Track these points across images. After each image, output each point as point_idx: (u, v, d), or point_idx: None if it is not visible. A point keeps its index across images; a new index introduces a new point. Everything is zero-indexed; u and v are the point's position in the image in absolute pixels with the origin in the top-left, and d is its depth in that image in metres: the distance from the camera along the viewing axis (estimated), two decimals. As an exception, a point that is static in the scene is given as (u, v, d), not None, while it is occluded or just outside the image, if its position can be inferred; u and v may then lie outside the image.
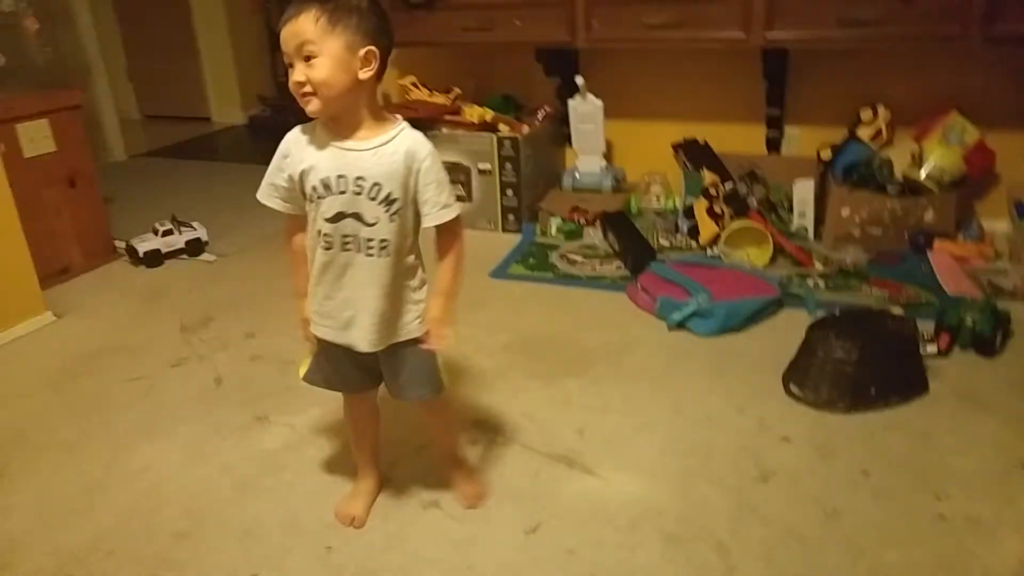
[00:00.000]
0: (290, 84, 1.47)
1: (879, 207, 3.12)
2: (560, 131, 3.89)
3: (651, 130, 3.81)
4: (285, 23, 1.44)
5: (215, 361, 2.62)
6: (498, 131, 3.59)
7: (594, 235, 3.43)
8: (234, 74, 6.60)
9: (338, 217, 1.54)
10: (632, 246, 3.15)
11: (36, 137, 3.18)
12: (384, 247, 1.56)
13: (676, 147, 3.68)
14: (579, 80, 3.56)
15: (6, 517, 1.92)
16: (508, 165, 3.55)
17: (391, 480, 1.96)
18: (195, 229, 3.59)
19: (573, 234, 3.49)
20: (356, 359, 1.69)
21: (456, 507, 1.87)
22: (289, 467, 2.04)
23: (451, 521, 1.82)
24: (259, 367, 2.56)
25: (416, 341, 1.68)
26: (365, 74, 1.47)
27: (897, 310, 2.46)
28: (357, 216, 1.53)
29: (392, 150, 1.52)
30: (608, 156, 3.81)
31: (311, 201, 1.55)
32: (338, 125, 1.53)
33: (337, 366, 1.74)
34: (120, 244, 3.58)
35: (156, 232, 3.51)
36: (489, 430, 2.15)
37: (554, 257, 3.30)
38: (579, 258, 3.27)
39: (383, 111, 1.57)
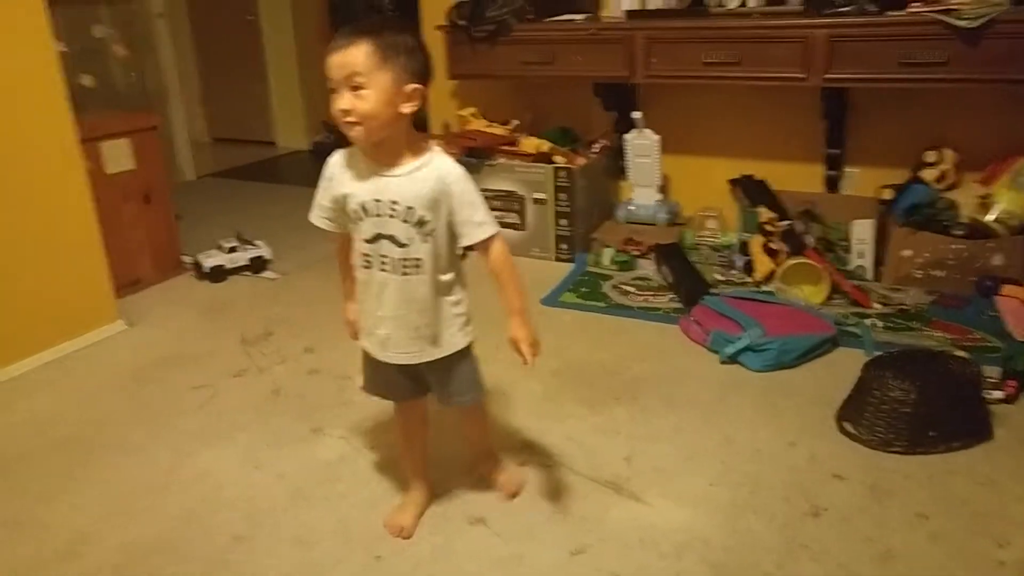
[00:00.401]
0: (333, 110, 1.54)
1: (943, 249, 3.08)
2: (616, 164, 3.93)
3: (708, 166, 3.84)
4: (335, 51, 1.51)
5: (274, 373, 2.69)
6: (553, 162, 3.64)
7: (648, 267, 3.46)
8: (300, 100, 6.77)
9: (375, 238, 1.63)
10: (686, 279, 3.17)
11: (118, 155, 3.33)
12: (418, 266, 1.64)
13: (733, 183, 3.71)
14: (637, 115, 3.60)
15: (77, 511, 2.01)
16: (563, 195, 3.60)
17: (440, 495, 2.00)
18: (259, 247, 3.69)
19: (626, 265, 3.52)
20: (402, 369, 1.77)
21: (503, 524, 1.90)
22: (342, 478, 2.10)
23: (497, 538, 1.86)
24: (316, 381, 2.63)
25: (460, 353, 1.77)
26: (408, 109, 1.55)
27: (960, 353, 2.42)
28: (392, 238, 1.62)
29: (424, 175, 1.60)
30: (664, 190, 3.84)
31: (353, 222, 1.65)
32: (378, 152, 1.60)
33: (386, 376, 1.81)
34: (187, 259, 3.70)
35: (221, 248, 3.63)
36: (537, 453, 2.18)
37: (606, 287, 3.33)
38: (632, 289, 3.29)
39: (419, 139, 1.65)
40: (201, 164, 5.98)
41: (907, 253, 3.13)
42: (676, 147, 3.78)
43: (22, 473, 2.18)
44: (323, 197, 1.70)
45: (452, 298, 1.73)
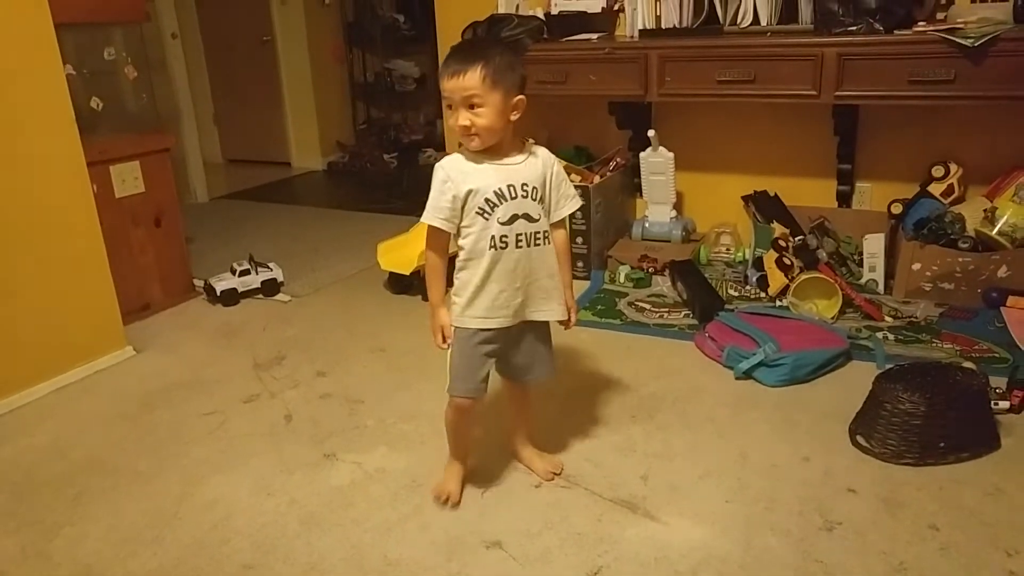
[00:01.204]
0: (453, 124, 1.81)
1: (951, 262, 3.07)
2: (631, 181, 3.93)
3: (721, 182, 3.83)
4: (452, 76, 1.78)
5: (286, 398, 2.68)
6: (569, 180, 3.63)
7: (663, 283, 3.45)
8: (315, 121, 6.81)
9: (512, 219, 1.86)
10: (700, 295, 3.15)
11: (127, 178, 3.34)
12: (546, 236, 1.93)
13: (746, 199, 3.70)
14: (651, 133, 3.60)
15: (82, 541, 1.99)
16: (578, 213, 3.59)
17: (456, 518, 1.99)
18: (271, 270, 3.69)
19: (641, 282, 3.50)
20: (491, 358, 1.98)
21: (519, 547, 1.88)
22: (355, 504, 2.08)
23: (513, 561, 1.83)
24: (328, 405, 2.62)
25: (546, 326, 2.06)
26: (516, 116, 1.85)
27: (968, 364, 2.41)
28: (527, 216, 1.88)
29: (535, 162, 1.91)
30: (678, 207, 3.83)
31: (481, 214, 1.85)
32: (491, 151, 1.86)
33: (483, 364, 1.97)
34: (199, 282, 3.71)
35: (233, 272, 3.62)
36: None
37: (622, 304, 3.31)
38: (647, 306, 3.28)
39: (518, 135, 1.93)
40: (214, 185, 6.02)
41: (916, 266, 3.13)
42: (690, 164, 3.78)
43: (29, 502, 2.17)
44: (440, 199, 1.86)
45: (555, 267, 1.98)
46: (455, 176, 1.85)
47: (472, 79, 1.75)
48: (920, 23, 2.96)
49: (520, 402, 2.20)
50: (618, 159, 3.88)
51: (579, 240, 3.63)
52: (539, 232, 1.91)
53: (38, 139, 2.71)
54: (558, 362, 2.76)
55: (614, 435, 2.35)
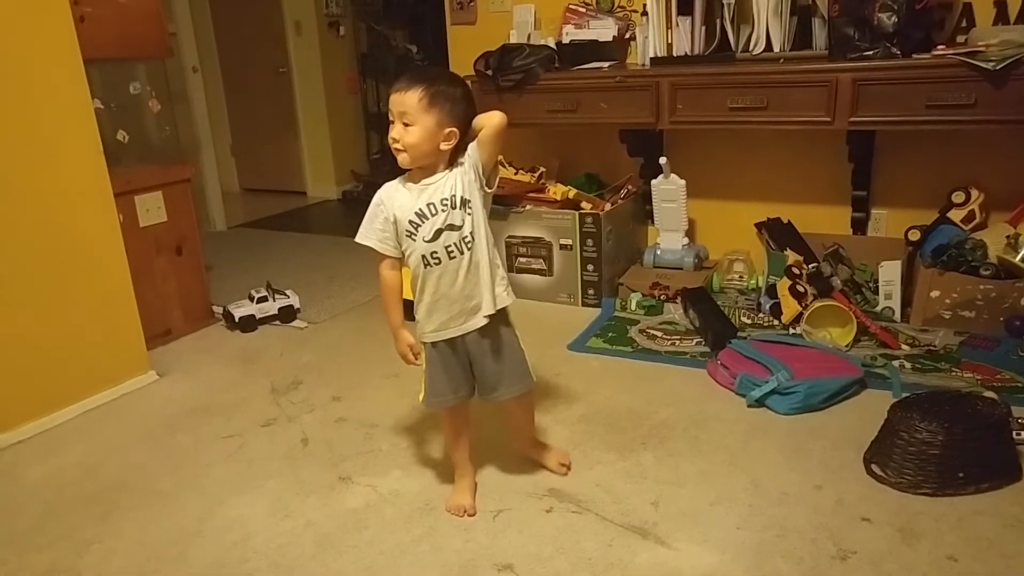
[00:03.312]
0: (388, 136, 1.91)
1: (971, 290, 3.05)
2: (642, 209, 3.96)
3: (734, 209, 3.85)
4: (396, 91, 1.89)
5: (303, 422, 2.72)
6: (580, 208, 3.68)
7: (674, 311, 3.47)
8: (330, 151, 6.88)
9: (437, 235, 1.95)
10: (713, 323, 3.17)
11: (151, 208, 3.41)
12: (473, 237, 1.98)
13: (759, 226, 3.72)
14: (663, 161, 3.63)
15: (110, 558, 2.04)
16: (589, 241, 3.63)
17: (468, 541, 2.01)
18: (288, 297, 3.74)
19: (653, 310, 3.52)
20: (464, 364, 2.09)
21: (530, 571, 1.89)
22: (369, 526, 2.10)
23: (525, 585, 1.86)
24: (344, 429, 2.65)
25: (511, 331, 2.13)
26: (445, 146, 1.93)
27: (989, 394, 2.40)
28: (450, 227, 1.96)
29: (451, 172, 1.97)
30: (690, 234, 3.85)
31: (409, 236, 1.97)
32: (420, 173, 1.97)
33: (452, 374, 2.09)
34: (218, 309, 3.76)
35: (251, 299, 3.67)
36: (564, 499, 2.18)
37: (633, 332, 3.33)
38: (659, 333, 3.30)
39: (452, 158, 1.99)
40: (231, 214, 6.09)
41: (935, 294, 3.11)
42: (702, 191, 3.81)
43: (59, 520, 2.21)
44: (373, 221, 2.02)
45: (497, 259, 2.07)
46: (386, 201, 2.00)
47: (411, 97, 1.86)
48: (939, 46, 2.95)
49: (512, 417, 2.31)
50: (629, 186, 3.91)
51: (590, 267, 3.66)
52: (467, 237, 1.98)
53: (68, 171, 2.78)
54: (570, 389, 2.81)
55: (625, 461, 2.36)
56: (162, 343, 3.46)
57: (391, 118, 1.91)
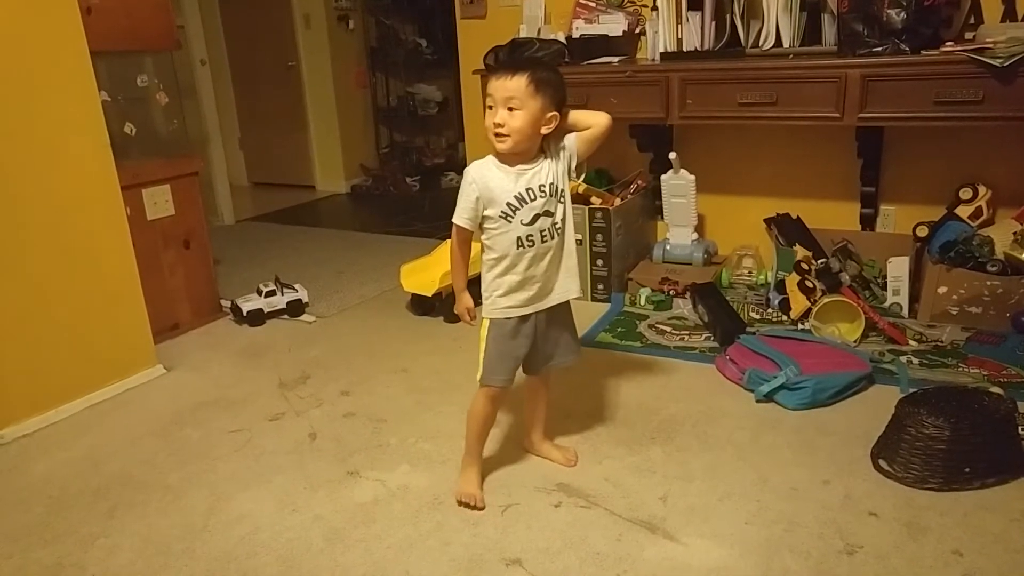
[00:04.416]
0: (488, 122, 1.98)
1: (978, 286, 3.05)
2: (652, 204, 3.95)
3: (743, 205, 3.84)
4: (499, 77, 1.95)
5: (310, 417, 2.72)
6: (590, 203, 3.67)
7: (683, 306, 3.47)
8: (339, 145, 6.90)
9: (534, 219, 2.01)
10: (722, 318, 3.16)
11: (158, 201, 3.41)
12: (564, 224, 2.08)
13: (769, 222, 3.71)
14: (672, 156, 3.63)
15: (116, 553, 2.04)
16: (599, 236, 3.62)
17: (476, 536, 2.01)
18: (296, 291, 3.74)
19: (662, 305, 3.52)
20: (527, 342, 2.14)
21: (539, 565, 1.89)
22: (377, 520, 2.11)
23: (533, 580, 1.86)
24: (352, 424, 2.65)
25: (568, 311, 2.25)
26: (546, 130, 2.00)
27: (995, 390, 2.40)
28: (547, 212, 2.03)
29: (550, 161, 2.05)
30: (700, 229, 3.84)
31: (504, 218, 2.00)
32: (517, 157, 2.00)
33: (516, 354, 2.14)
34: (226, 303, 3.76)
35: (260, 293, 3.67)
36: (573, 493, 2.18)
37: (642, 327, 3.33)
38: (668, 328, 3.29)
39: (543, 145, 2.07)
40: (240, 208, 6.10)
41: (943, 290, 3.11)
42: (711, 187, 3.80)
43: (64, 514, 2.22)
44: (466, 200, 2.02)
45: (575, 252, 2.16)
46: (479, 180, 2.01)
47: (518, 83, 1.92)
48: (947, 43, 2.95)
49: (539, 396, 2.35)
50: (639, 182, 3.91)
51: (599, 263, 3.66)
52: (558, 223, 2.06)
53: (75, 163, 2.78)
54: (579, 384, 2.81)
55: (634, 456, 2.36)
56: (169, 337, 3.46)
57: (490, 104, 1.97)
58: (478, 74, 3.78)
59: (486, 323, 2.12)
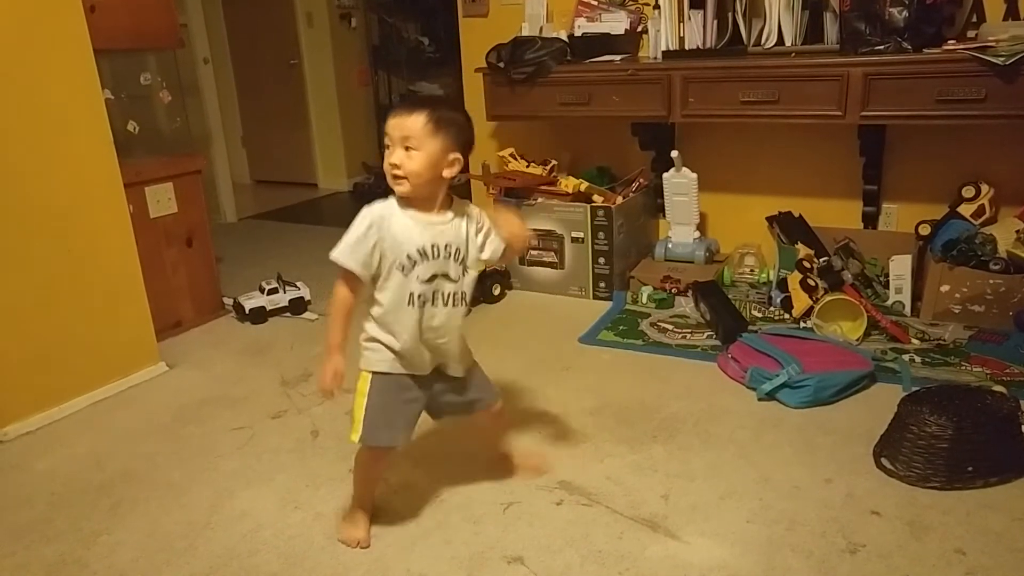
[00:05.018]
0: (385, 163, 1.80)
1: (981, 284, 3.05)
2: (654, 202, 3.95)
3: (745, 203, 3.84)
4: (396, 116, 1.78)
5: (312, 415, 2.72)
6: (592, 201, 3.67)
7: (685, 304, 3.47)
8: (341, 143, 6.90)
9: (432, 278, 1.84)
10: (724, 316, 3.16)
11: (161, 199, 3.41)
12: (463, 296, 1.91)
13: (770, 220, 3.71)
14: (674, 154, 3.63)
15: (119, 549, 2.04)
16: (601, 234, 3.62)
17: (478, 534, 2.01)
18: (299, 288, 3.74)
19: (664, 303, 3.52)
20: (422, 399, 1.98)
21: (540, 563, 1.89)
22: (379, 518, 2.10)
23: (534, 578, 1.86)
24: (354, 421, 2.65)
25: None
26: (448, 173, 1.81)
27: (998, 388, 2.40)
28: (446, 276, 1.86)
29: (460, 221, 1.87)
30: (702, 227, 3.84)
31: (401, 270, 1.82)
32: (421, 203, 1.83)
33: (406, 411, 1.97)
34: (228, 301, 3.76)
35: (262, 290, 3.67)
36: (574, 492, 2.18)
37: (644, 325, 3.33)
38: (670, 327, 3.29)
39: (450, 195, 1.88)
40: (242, 206, 6.10)
41: (945, 288, 3.11)
42: (714, 185, 3.80)
43: (67, 511, 2.22)
44: (361, 244, 1.82)
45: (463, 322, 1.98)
46: (381, 226, 1.81)
47: (416, 121, 1.74)
48: (950, 41, 2.96)
49: (490, 425, 2.24)
50: (641, 180, 3.91)
51: (601, 260, 3.66)
52: (457, 293, 1.89)
53: (78, 161, 2.78)
54: (581, 382, 2.82)
55: (635, 454, 2.36)
56: (172, 334, 3.46)
57: (387, 143, 1.79)
58: (480, 72, 3.78)
59: (366, 377, 1.92)
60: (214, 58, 5.99)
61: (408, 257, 1.81)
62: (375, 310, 1.90)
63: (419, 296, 1.84)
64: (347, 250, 1.83)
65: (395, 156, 1.77)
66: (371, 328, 1.92)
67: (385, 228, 1.81)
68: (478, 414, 2.12)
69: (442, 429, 2.51)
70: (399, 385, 1.93)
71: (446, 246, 1.84)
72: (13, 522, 2.18)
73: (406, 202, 1.83)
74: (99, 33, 2.83)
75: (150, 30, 3.43)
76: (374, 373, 1.91)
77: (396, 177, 1.78)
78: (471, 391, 2.05)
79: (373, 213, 1.83)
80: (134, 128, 3.43)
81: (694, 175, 3.64)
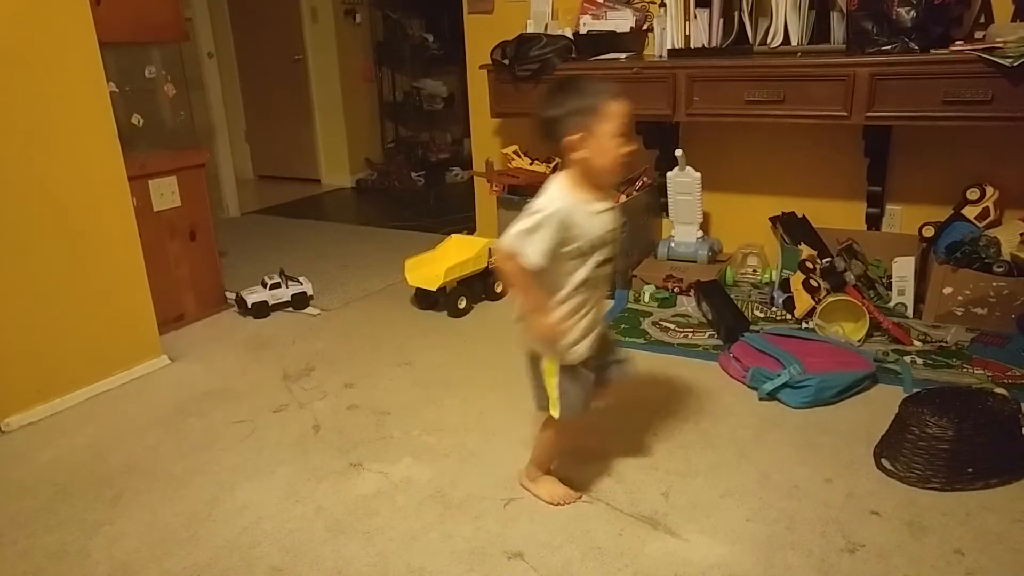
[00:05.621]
0: (620, 155, 1.83)
1: (984, 287, 3.05)
2: (657, 201, 3.95)
3: (749, 203, 3.84)
4: (621, 100, 1.82)
5: (314, 409, 2.73)
6: (595, 199, 3.67)
7: (688, 304, 3.47)
8: (344, 139, 6.89)
9: (600, 264, 1.91)
10: (726, 316, 3.16)
11: (165, 193, 3.42)
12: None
13: (774, 220, 3.71)
14: (678, 153, 3.62)
15: (121, 540, 2.05)
16: (605, 232, 3.61)
17: (478, 529, 2.02)
18: (301, 283, 3.75)
19: (666, 302, 3.52)
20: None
21: (541, 559, 1.90)
22: (380, 512, 2.11)
23: (534, 573, 1.86)
24: (356, 416, 2.66)
25: None
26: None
27: (1000, 390, 2.40)
28: (606, 261, 1.93)
29: (615, 212, 1.95)
30: (705, 227, 3.84)
31: (583, 256, 1.87)
32: (596, 192, 1.89)
33: (588, 385, 2.01)
34: (231, 295, 3.77)
35: (264, 285, 3.68)
36: (576, 488, 2.18)
37: (646, 324, 3.33)
38: (672, 326, 3.29)
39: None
40: (245, 201, 6.11)
41: (948, 290, 3.11)
42: (717, 184, 3.80)
43: (70, 502, 2.23)
44: (551, 241, 1.81)
45: None
46: (565, 220, 1.82)
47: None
48: (957, 42, 2.96)
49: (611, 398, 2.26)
50: (644, 179, 3.90)
51: (605, 259, 3.65)
52: (608, 272, 1.97)
53: (82, 154, 2.79)
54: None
55: (636, 452, 2.36)
56: (174, 328, 3.47)
57: (623, 133, 1.82)
58: (485, 69, 3.78)
59: (553, 366, 1.97)
60: (218, 53, 5.99)
61: (592, 246, 1.88)
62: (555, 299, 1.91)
63: (590, 281, 1.91)
64: (540, 252, 1.81)
65: (631, 144, 1.84)
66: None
67: (569, 220, 1.83)
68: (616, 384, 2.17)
69: (442, 427, 2.54)
70: (585, 368, 1.99)
71: (611, 231, 1.92)
72: (16, 511, 2.19)
73: (586, 188, 1.87)
74: (104, 26, 2.83)
75: (155, 23, 3.43)
76: (561, 365, 1.96)
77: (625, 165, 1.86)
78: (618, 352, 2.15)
79: (560, 208, 1.83)
80: (138, 121, 3.43)
81: (698, 174, 3.64)
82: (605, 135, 1.81)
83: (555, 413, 1.99)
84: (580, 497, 2.12)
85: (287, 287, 3.70)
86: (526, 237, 1.81)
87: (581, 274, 1.88)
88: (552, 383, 1.98)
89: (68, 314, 2.80)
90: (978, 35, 3.08)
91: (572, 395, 1.98)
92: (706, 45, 3.46)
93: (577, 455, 2.30)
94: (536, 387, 2.04)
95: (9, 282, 2.63)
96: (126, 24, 3.25)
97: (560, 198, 1.85)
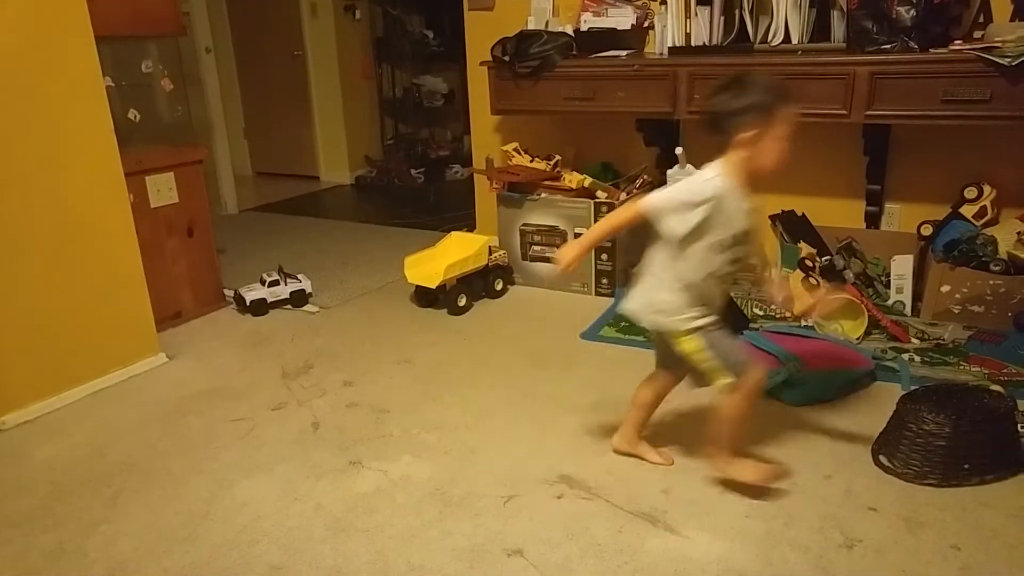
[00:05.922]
0: (786, 155, 1.90)
1: (981, 285, 3.06)
2: (657, 199, 3.94)
3: (748, 201, 3.83)
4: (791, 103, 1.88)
5: (313, 406, 2.72)
6: (595, 197, 3.67)
7: (686, 302, 3.47)
8: (343, 136, 6.88)
9: (732, 261, 1.95)
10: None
11: (162, 189, 3.40)
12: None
13: (773, 218, 3.70)
14: (679, 151, 3.62)
15: (118, 539, 2.04)
16: (604, 230, 3.61)
17: (478, 526, 2.01)
18: (300, 281, 3.74)
19: (665, 300, 3.51)
20: None
21: (540, 555, 1.90)
22: (379, 510, 2.11)
23: (533, 570, 1.86)
24: (355, 414, 2.65)
25: None
26: None
27: (996, 388, 2.41)
28: (740, 259, 1.96)
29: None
30: (704, 225, 3.83)
31: (715, 248, 1.91)
32: (752, 189, 1.93)
33: (729, 336, 2.06)
34: (229, 292, 3.76)
35: (263, 282, 3.67)
36: (575, 486, 2.18)
37: (645, 321, 3.33)
38: (670, 323, 3.29)
39: None
40: (243, 198, 6.09)
41: (946, 288, 3.11)
42: (715, 182, 3.78)
43: (67, 500, 2.22)
44: (695, 217, 1.87)
45: None
46: (718, 202, 1.87)
47: None
48: (956, 41, 2.95)
49: (660, 395, 2.30)
50: (645, 176, 3.90)
51: (604, 257, 3.66)
52: (736, 273, 2.02)
53: (78, 149, 2.78)
54: (583, 377, 2.82)
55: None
56: (172, 325, 3.46)
57: (788, 135, 1.90)
58: (485, 66, 3.77)
59: (691, 339, 2.01)
60: (216, 48, 5.98)
61: (734, 237, 1.92)
62: (679, 281, 1.99)
63: (720, 272, 1.96)
64: (682, 222, 1.90)
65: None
66: (674, 301, 2.01)
67: (720, 203, 1.88)
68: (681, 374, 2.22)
69: (441, 425, 2.53)
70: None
71: (746, 232, 1.94)
72: (12, 510, 2.18)
73: (744, 182, 1.91)
74: (100, 19, 2.81)
75: (152, 17, 3.40)
76: (696, 331, 2.00)
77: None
78: None
79: (719, 187, 1.88)
80: (135, 116, 3.42)
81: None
82: (777, 136, 1.86)
83: (725, 378, 1.99)
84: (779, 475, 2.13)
85: (286, 284, 3.70)
86: (680, 207, 1.88)
87: (714, 265, 1.92)
88: (699, 355, 2.01)
89: (65, 311, 2.79)
90: (977, 34, 3.08)
91: (725, 347, 2.00)
92: (707, 43, 3.45)
93: (578, 455, 2.30)
94: (687, 368, 2.12)
95: (5, 279, 2.62)
96: (122, 17, 3.22)
97: (722, 185, 1.88)
